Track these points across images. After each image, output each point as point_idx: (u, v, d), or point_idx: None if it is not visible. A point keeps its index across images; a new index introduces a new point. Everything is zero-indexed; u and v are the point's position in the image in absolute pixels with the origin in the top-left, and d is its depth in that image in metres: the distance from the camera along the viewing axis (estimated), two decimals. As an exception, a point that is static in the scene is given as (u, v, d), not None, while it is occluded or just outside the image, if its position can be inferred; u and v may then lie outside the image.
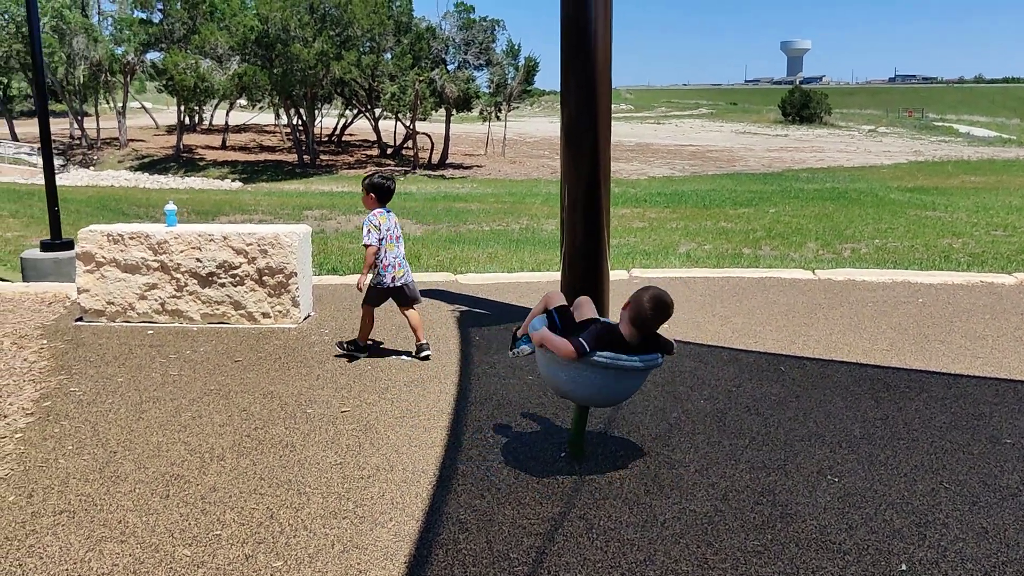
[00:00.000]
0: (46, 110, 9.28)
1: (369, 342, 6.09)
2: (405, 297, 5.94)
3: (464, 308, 7.33)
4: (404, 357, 5.93)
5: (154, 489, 3.91)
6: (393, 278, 5.83)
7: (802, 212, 21.80)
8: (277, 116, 54.08)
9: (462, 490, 3.89)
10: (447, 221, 21.87)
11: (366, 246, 5.72)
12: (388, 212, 5.88)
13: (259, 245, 6.61)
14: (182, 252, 6.67)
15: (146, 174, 44.08)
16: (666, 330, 6.59)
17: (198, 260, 6.66)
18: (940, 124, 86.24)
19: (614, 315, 7.15)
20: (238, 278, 6.67)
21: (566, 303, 4.37)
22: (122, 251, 6.71)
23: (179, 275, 6.69)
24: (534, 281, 8.45)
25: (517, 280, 8.56)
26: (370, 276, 5.83)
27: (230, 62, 42.41)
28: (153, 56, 49.63)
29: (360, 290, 5.78)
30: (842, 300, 7.59)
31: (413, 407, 4.95)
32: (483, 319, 6.98)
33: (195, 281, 6.69)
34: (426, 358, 5.89)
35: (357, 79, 43.79)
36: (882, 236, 16.04)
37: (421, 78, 43.20)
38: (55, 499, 3.82)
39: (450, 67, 46.64)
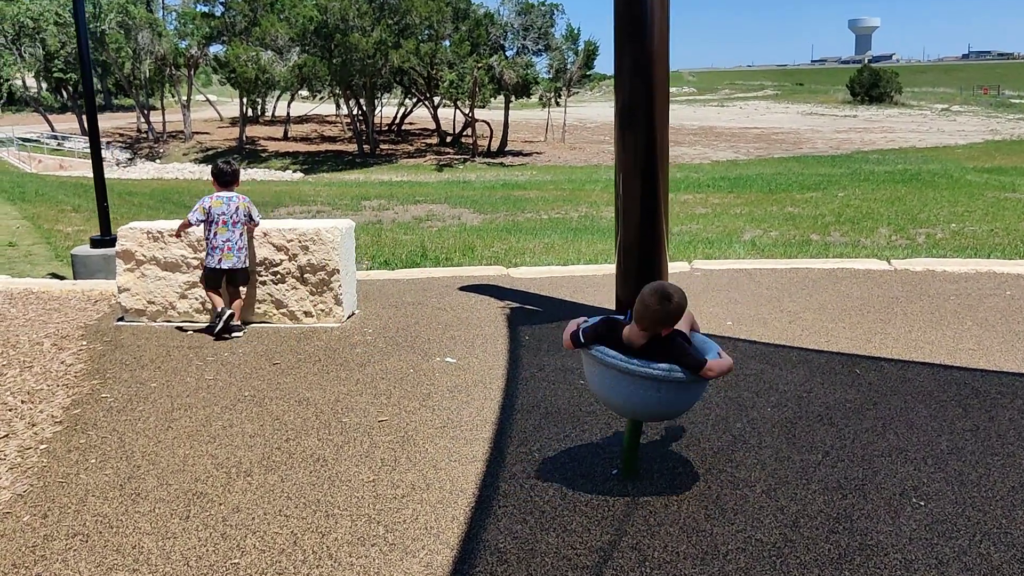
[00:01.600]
0: (93, 103, 9.17)
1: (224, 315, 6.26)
2: (234, 277, 6.30)
3: (515, 304, 6.99)
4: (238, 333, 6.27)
5: (174, 509, 3.66)
6: (220, 260, 6.17)
7: (873, 196, 20.98)
8: (337, 106, 54.38)
9: (502, 513, 3.55)
10: (504, 210, 21.56)
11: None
12: (229, 197, 6.25)
13: (300, 241, 6.35)
14: (222, 249, 6.44)
15: (210, 166, 44.67)
16: (730, 328, 6.18)
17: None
18: (1018, 101, 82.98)
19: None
20: (279, 276, 6.42)
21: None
22: (162, 249, 6.52)
23: (219, 273, 6.47)
24: (589, 274, 8.07)
25: (571, 273, 8.19)
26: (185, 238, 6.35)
27: (290, 53, 42.68)
28: (216, 49, 50.26)
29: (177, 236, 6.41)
30: (921, 293, 7.05)
31: (455, 416, 4.63)
32: (535, 317, 6.63)
33: (235, 279, 6.46)
34: (226, 327, 6.16)
35: (416, 67, 43.74)
36: (959, 220, 15.25)
37: (480, 65, 42.96)
38: (71, 520, 3.59)
39: (508, 53, 46.30)
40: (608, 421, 4.49)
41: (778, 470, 3.89)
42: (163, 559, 3.27)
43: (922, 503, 3.56)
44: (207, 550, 3.33)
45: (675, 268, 8.04)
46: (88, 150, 45.20)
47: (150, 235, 6.53)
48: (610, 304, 6.67)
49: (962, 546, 3.23)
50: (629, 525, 3.43)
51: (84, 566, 3.23)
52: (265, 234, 6.39)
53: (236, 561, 3.25)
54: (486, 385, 5.10)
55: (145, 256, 6.55)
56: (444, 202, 24.03)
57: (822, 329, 6.11)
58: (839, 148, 47.28)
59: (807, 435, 4.27)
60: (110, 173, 39.88)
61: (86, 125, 8.98)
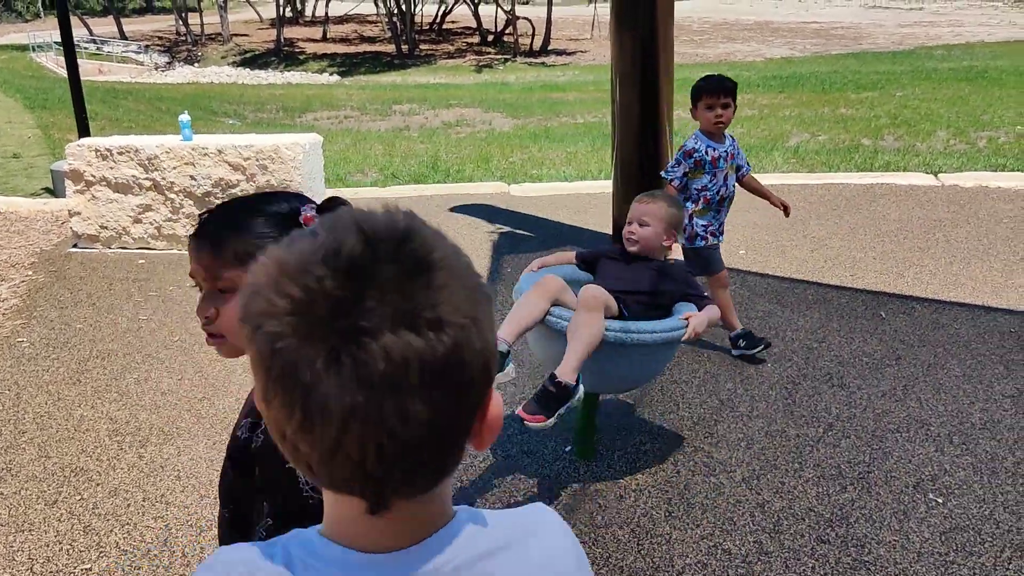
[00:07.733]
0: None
1: None
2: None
3: (506, 229, 6.28)
4: None
5: (43, 491, 3.11)
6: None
7: (933, 95, 19.51)
8: (377, 5, 52.83)
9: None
10: (539, 114, 20.57)
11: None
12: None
13: (257, 160, 5.67)
14: (175, 169, 5.80)
15: (247, 69, 43.89)
16: (743, 258, 5.42)
17: (192, 178, 5.78)
18: (1101, -11, 77.84)
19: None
20: (237, 199, 5.78)
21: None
22: (111, 168, 5.89)
23: (173, 195, 5.85)
24: (596, 192, 7.28)
25: (577, 191, 7.43)
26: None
27: (325, -51, 41.19)
28: (251, -54, 48.82)
29: None
30: (969, 214, 6.17)
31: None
32: (524, 243, 5.93)
33: (191, 202, 5.83)
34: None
35: (455, -38, 42.00)
36: (1026, 122, 13.99)
37: (521, -41, 41.07)
38: (-79, 504, 3.06)
39: (552, -55, 44.16)
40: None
41: (767, 449, 3.20)
42: (4, 561, 2.73)
43: (939, 500, 2.86)
44: (59, 550, 2.78)
45: (692, 184, 7.22)
46: (126, 54, 44.29)
47: (99, 153, 5.90)
48: (608, 228, 5.91)
49: (985, 566, 2.53)
50: (570, 525, 2.79)
51: (-90, 570, 2.71)
52: (220, 151, 5.72)
53: (88, 567, 2.69)
54: (446, 330, 4.45)
55: (95, 176, 5.94)
56: (478, 106, 23.05)
57: (848, 260, 5.31)
58: (902, 43, 44.69)
59: (809, 401, 3.56)
60: (147, 77, 39.37)
61: (58, 27, 8.28)
